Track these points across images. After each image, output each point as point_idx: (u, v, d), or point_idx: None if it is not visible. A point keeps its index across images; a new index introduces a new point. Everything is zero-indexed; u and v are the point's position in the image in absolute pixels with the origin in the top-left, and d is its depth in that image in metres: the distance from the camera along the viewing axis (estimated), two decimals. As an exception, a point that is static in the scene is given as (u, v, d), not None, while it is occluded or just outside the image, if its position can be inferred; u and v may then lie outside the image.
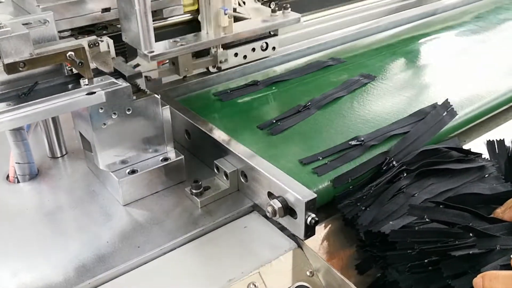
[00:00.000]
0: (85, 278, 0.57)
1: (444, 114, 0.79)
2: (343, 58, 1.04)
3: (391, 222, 0.62)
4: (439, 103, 0.81)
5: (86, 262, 0.59)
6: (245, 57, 0.95)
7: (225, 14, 0.79)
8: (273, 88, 0.93)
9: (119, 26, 0.76)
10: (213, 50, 0.92)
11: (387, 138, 0.74)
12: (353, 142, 0.73)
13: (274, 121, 0.81)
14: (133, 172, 0.68)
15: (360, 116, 0.82)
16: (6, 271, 0.58)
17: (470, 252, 0.56)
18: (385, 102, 0.86)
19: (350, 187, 0.67)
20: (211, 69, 0.93)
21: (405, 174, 0.67)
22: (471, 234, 0.58)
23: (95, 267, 0.58)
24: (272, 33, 0.97)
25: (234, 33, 0.83)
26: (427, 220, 0.61)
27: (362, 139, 0.73)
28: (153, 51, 0.72)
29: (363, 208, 0.64)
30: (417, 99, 0.86)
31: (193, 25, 0.85)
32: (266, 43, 0.97)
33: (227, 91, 0.90)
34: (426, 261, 0.57)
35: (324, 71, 0.99)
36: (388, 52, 1.06)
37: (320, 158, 0.71)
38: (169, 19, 0.84)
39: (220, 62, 0.92)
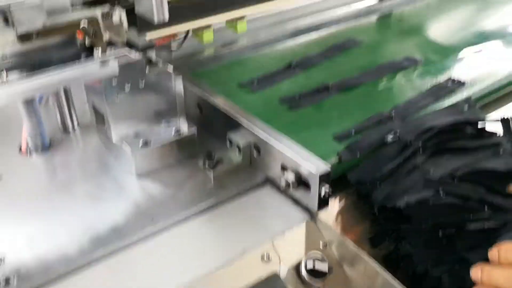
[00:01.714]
0: (99, 247, 0.57)
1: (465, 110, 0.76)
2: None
3: (405, 197, 0.61)
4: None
5: (100, 232, 0.59)
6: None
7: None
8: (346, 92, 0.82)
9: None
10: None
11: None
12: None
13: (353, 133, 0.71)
14: (146, 144, 0.68)
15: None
16: (21, 238, 0.58)
17: (485, 225, 0.56)
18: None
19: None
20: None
21: (421, 151, 0.67)
22: (486, 208, 0.58)
23: (109, 237, 0.59)
24: None
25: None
26: (442, 194, 0.60)
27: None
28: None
29: (377, 183, 0.64)
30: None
31: None
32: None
33: (295, 97, 0.80)
34: (440, 234, 0.57)
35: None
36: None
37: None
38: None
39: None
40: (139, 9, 0.72)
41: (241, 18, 0.87)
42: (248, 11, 0.85)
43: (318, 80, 0.84)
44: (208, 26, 0.85)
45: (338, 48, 0.97)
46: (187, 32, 0.84)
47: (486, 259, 0.51)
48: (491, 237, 0.55)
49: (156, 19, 0.66)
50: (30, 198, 0.66)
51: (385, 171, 0.63)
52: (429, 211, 0.59)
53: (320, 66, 0.91)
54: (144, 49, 0.66)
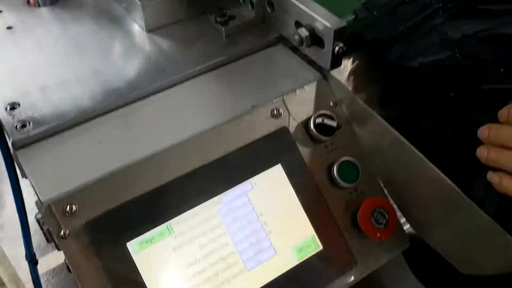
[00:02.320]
0: (111, 97, 0.58)
1: None
2: None
3: (420, 58, 0.60)
4: None
5: (112, 83, 0.59)
6: None
7: None
8: None
9: None
10: None
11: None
12: None
13: None
14: (156, -4, 0.66)
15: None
16: (35, 87, 0.59)
17: (499, 87, 0.55)
18: None
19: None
20: None
21: (440, 13, 0.64)
22: (502, 70, 0.56)
23: (121, 88, 0.59)
24: None
25: None
26: (458, 56, 0.59)
27: None
28: None
29: (393, 42, 0.62)
30: None
31: None
32: None
33: None
34: (452, 94, 0.56)
35: None
36: None
37: None
38: None
39: None
40: None
41: None
42: None
43: None
44: None
45: None
46: None
47: (496, 121, 0.51)
48: (504, 100, 0.54)
49: None
50: (41, 49, 0.65)
51: (401, 30, 0.61)
52: (444, 72, 0.57)
53: None
54: None
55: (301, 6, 0.60)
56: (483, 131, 0.50)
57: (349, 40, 0.60)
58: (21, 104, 0.56)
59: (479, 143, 0.51)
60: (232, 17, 0.67)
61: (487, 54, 0.58)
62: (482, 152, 0.49)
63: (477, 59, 0.57)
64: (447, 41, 0.59)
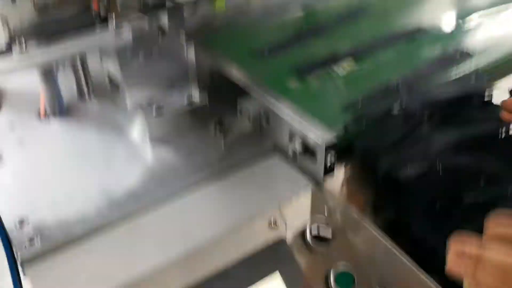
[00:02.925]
0: (115, 210, 0.61)
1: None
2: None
3: (406, 169, 0.63)
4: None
5: (116, 196, 0.63)
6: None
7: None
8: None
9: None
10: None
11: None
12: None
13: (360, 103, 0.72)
14: (159, 112, 0.71)
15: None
16: (42, 201, 0.62)
17: (480, 199, 0.58)
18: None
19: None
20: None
21: (426, 120, 0.68)
22: (482, 181, 0.60)
23: (125, 200, 0.62)
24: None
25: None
26: (438, 167, 0.63)
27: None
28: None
29: (381, 154, 0.65)
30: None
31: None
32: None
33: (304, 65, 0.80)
34: (437, 206, 0.59)
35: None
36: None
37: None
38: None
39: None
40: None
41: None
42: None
43: (327, 49, 0.85)
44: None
45: (347, 16, 0.97)
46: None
47: (481, 231, 0.54)
48: (487, 209, 0.57)
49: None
50: (50, 162, 0.69)
51: (390, 142, 0.65)
52: (427, 184, 0.61)
53: (329, 34, 0.91)
54: (155, 7, 0.67)
55: (293, 120, 0.65)
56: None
57: (340, 149, 0.64)
58: (30, 219, 0.59)
59: None
60: (230, 128, 0.71)
61: (469, 163, 0.62)
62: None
63: (458, 170, 0.61)
64: (430, 153, 0.63)
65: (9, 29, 0.63)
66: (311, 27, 0.92)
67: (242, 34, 0.91)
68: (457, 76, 0.77)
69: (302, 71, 0.80)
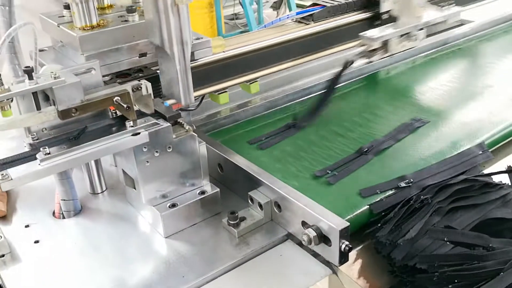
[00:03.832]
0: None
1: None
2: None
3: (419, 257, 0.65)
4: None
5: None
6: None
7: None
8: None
9: (153, 68, 0.82)
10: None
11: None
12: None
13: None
14: (173, 206, 0.73)
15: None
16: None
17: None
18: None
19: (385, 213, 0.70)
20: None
21: (435, 209, 0.71)
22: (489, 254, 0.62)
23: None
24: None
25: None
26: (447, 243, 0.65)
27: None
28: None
29: (397, 243, 0.67)
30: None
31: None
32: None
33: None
34: (450, 286, 0.61)
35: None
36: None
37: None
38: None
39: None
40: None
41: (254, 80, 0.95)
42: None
43: (305, 138, 0.91)
44: (224, 89, 0.92)
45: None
46: (203, 95, 0.91)
47: None
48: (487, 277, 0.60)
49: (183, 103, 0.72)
50: (66, 259, 0.70)
51: (405, 234, 0.67)
52: (440, 260, 0.63)
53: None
54: (170, 117, 0.72)
55: (306, 207, 0.67)
56: None
57: (354, 236, 0.66)
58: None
59: None
60: (243, 219, 0.73)
61: (476, 240, 0.65)
62: None
63: (467, 245, 0.64)
64: (435, 231, 0.66)
65: (30, 133, 0.67)
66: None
67: (244, 125, 0.95)
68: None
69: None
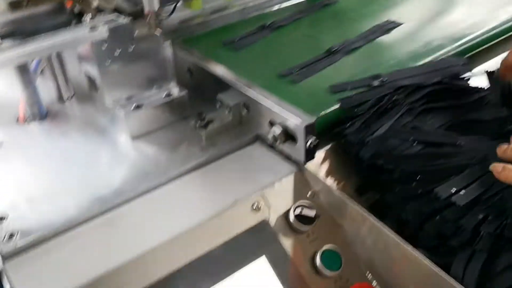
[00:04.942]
0: (97, 206, 0.60)
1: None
2: None
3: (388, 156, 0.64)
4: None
5: (98, 191, 0.62)
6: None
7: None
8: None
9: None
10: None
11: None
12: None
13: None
14: (138, 107, 0.71)
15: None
16: (22, 199, 0.61)
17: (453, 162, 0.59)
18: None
19: (355, 110, 0.67)
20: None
21: (406, 111, 0.68)
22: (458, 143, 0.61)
23: (106, 195, 0.61)
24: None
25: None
26: (414, 143, 0.63)
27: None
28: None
29: (365, 141, 0.65)
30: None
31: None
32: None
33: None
34: (414, 184, 0.59)
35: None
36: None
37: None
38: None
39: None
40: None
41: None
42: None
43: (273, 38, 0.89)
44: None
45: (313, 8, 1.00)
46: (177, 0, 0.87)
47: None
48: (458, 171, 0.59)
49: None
50: (30, 163, 0.68)
51: (374, 133, 0.65)
52: (406, 161, 0.61)
53: (288, 27, 0.93)
54: (132, 14, 0.68)
55: (273, 106, 0.65)
56: (500, 148, 0.56)
57: (321, 133, 0.64)
58: (9, 216, 0.58)
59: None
60: (211, 121, 0.71)
61: (444, 138, 0.63)
62: (496, 167, 0.55)
63: (434, 144, 0.62)
64: (400, 131, 0.64)
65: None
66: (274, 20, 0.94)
67: (218, 31, 0.91)
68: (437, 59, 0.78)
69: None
